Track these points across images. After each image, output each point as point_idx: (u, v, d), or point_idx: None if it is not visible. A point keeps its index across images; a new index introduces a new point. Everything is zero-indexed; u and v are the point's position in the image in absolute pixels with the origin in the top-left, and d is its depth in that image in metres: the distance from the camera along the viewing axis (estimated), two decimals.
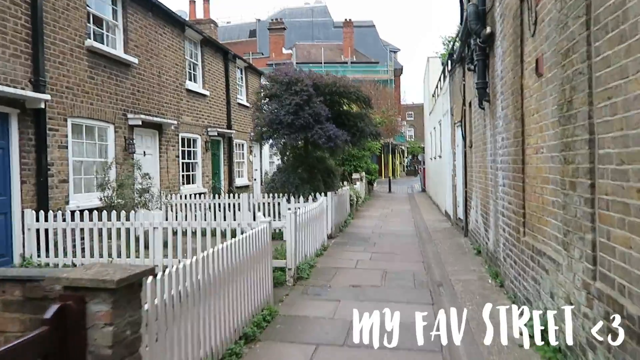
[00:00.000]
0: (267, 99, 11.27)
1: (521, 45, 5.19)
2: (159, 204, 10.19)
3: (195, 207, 11.82)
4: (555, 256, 4.09)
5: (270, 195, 11.68)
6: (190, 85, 13.96)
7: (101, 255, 7.46)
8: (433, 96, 23.68)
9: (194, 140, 14.44)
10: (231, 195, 12.18)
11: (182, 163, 13.58)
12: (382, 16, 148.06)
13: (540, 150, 4.55)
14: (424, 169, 30.34)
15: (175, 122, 12.63)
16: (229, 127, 16.85)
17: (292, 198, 11.15)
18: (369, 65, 44.12)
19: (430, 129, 23.88)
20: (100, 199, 8.94)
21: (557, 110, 3.95)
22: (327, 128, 10.57)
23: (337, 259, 8.80)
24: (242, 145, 18.41)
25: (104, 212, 7.58)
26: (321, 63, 38.80)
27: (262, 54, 43.46)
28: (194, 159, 14.39)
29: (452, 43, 12.07)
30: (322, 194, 11.03)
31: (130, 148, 10.56)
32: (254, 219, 12.25)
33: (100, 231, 7.48)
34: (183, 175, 13.63)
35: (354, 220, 14.90)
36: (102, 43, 10.01)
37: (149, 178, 10.11)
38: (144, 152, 11.50)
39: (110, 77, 10.10)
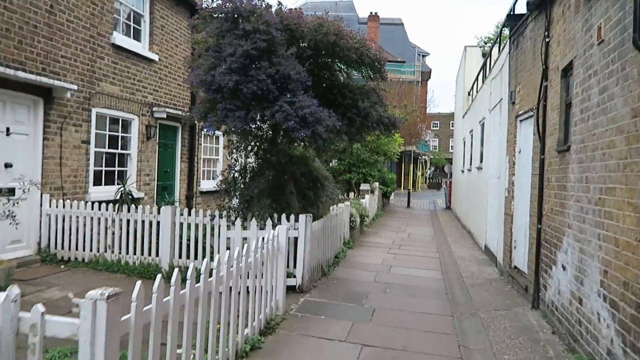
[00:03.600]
0: (205, 52, 6.51)
1: None
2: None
3: (96, 223, 7.34)
4: None
5: (208, 212, 7.09)
6: (121, 40, 9.48)
7: None
8: (469, 94, 19.03)
9: (127, 122, 9.95)
10: (152, 208, 7.58)
11: (99, 153, 9.11)
12: (412, 21, 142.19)
13: None
14: (450, 182, 25.65)
15: (76, 87, 8.11)
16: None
17: (238, 220, 6.58)
18: (395, 64, 39.81)
19: (464, 133, 19.06)
20: None
21: None
22: (301, 103, 5.87)
23: None
24: (217, 137, 13.86)
25: None
26: None
27: None
28: (124, 149, 9.91)
29: None
30: (292, 216, 6.44)
31: None
32: (180, 255, 7.06)
33: None
34: (99, 172, 9.16)
35: (352, 252, 10.23)
36: None
37: None
38: (7, 129, 7.05)
39: None
